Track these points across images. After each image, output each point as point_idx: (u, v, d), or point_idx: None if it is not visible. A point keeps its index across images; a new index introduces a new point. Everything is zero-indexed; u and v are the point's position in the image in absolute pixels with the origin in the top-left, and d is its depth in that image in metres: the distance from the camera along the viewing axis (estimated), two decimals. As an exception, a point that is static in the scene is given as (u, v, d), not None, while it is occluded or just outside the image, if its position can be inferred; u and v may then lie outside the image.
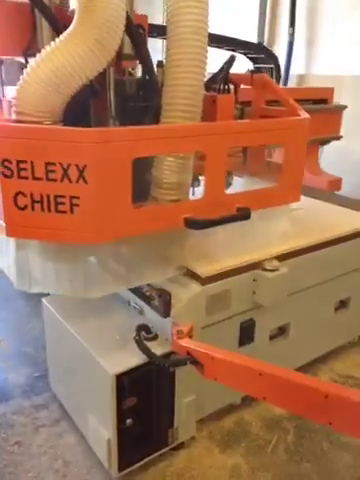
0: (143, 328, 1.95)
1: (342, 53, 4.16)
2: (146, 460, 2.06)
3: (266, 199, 2.11)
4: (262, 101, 2.52)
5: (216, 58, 2.11)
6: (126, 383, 1.84)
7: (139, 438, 1.99)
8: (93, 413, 2.04)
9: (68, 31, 1.63)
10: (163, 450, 2.11)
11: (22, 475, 2.07)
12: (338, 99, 3.08)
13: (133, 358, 1.87)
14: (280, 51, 4.63)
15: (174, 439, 2.12)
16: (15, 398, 2.54)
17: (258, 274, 2.15)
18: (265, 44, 4.76)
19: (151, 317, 2.05)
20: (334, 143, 3.10)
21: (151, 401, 1.97)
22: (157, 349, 1.90)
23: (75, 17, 1.64)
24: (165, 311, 1.91)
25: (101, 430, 1.96)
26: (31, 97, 1.64)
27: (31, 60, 1.71)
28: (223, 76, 2.12)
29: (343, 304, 2.81)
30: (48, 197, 1.62)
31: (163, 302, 1.90)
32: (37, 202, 1.64)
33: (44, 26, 1.84)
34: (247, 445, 2.26)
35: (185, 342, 1.83)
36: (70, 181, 1.59)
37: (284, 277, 2.17)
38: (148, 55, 1.96)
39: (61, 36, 1.64)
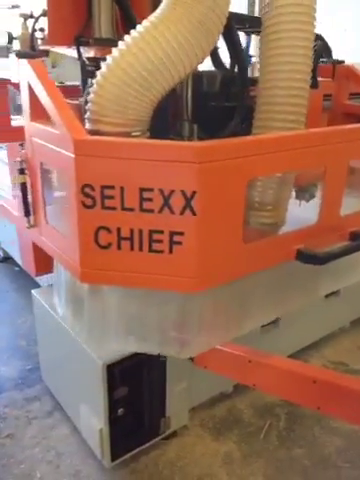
0: (133, 318, 1.94)
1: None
2: (138, 449, 2.06)
3: None
4: (345, 95, 2.21)
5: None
6: (117, 373, 1.84)
7: (131, 428, 2.00)
8: (85, 404, 2.04)
9: (163, 13, 1.28)
10: (155, 439, 2.12)
11: (15, 467, 2.08)
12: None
13: (123, 348, 1.87)
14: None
15: (166, 428, 2.13)
16: (7, 391, 2.53)
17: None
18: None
19: (141, 307, 2.04)
20: None
21: (142, 390, 1.97)
22: (147, 339, 1.89)
23: None
24: (155, 301, 1.89)
25: (93, 420, 1.96)
26: (114, 100, 1.29)
27: (89, 50, 1.41)
28: (313, 68, 1.57)
29: (334, 291, 2.82)
30: (140, 233, 1.24)
31: (152, 292, 1.88)
32: (125, 239, 1.26)
33: (103, 7, 1.53)
34: (239, 432, 2.27)
35: (175, 331, 1.82)
36: (172, 212, 1.20)
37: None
38: (240, 45, 1.62)
39: (150, 18, 1.29)
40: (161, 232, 1.23)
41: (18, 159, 1.49)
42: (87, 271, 1.32)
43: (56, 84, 1.64)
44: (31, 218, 1.56)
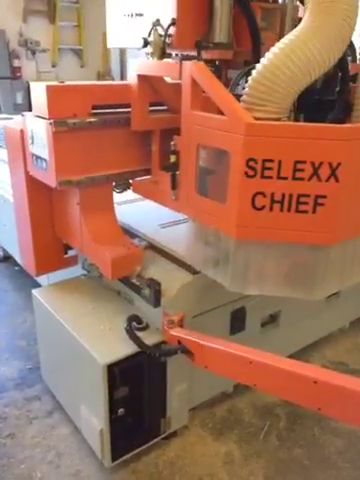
0: (134, 318, 1.95)
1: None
2: (139, 449, 2.07)
3: None
4: None
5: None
6: (117, 373, 1.83)
7: (131, 428, 2.00)
8: (85, 404, 2.04)
9: (305, 22, 1.60)
10: (156, 439, 2.12)
11: (15, 467, 2.08)
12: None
13: (124, 348, 1.87)
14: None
15: (167, 428, 2.13)
16: (8, 391, 2.53)
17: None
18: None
19: (142, 307, 2.05)
20: None
21: (143, 391, 1.97)
22: (148, 339, 1.89)
23: (312, 10, 1.60)
24: (155, 301, 1.90)
25: (93, 420, 1.96)
26: (268, 92, 1.58)
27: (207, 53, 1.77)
28: None
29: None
30: (290, 197, 1.53)
31: (153, 292, 1.89)
32: (277, 202, 1.55)
33: (223, 17, 1.84)
34: (239, 432, 2.28)
35: (176, 331, 1.83)
36: (319, 180, 1.50)
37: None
38: (352, 46, 1.95)
39: (298, 28, 1.61)
40: (308, 196, 1.53)
41: (172, 143, 1.81)
42: (242, 229, 1.61)
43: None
44: (176, 192, 1.87)
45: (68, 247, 2.38)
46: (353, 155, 1.51)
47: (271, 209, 1.56)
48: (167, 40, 1.83)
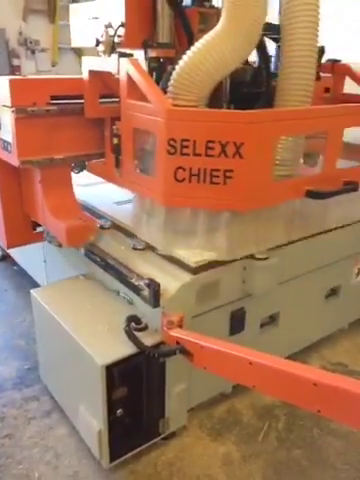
0: (133, 319, 1.94)
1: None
2: (137, 450, 2.06)
3: None
4: (342, 88, 2.72)
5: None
6: (116, 374, 1.83)
7: (130, 428, 1.99)
8: (84, 404, 2.03)
9: (221, 27, 1.88)
10: (154, 440, 2.11)
11: (13, 467, 2.07)
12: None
13: (123, 349, 1.86)
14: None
15: (165, 429, 2.12)
16: (6, 391, 2.53)
17: (248, 263, 2.14)
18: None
19: (141, 307, 2.04)
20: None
21: (141, 391, 1.96)
22: (147, 339, 1.89)
23: (224, 14, 1.87)
24: (154, 301, 1.90)
25: (92, 421, 1.95)
26: (187, 84, 1.89)
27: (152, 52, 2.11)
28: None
29: (334, 291, 2.82)
30: (205, 171, 1.84)
31: (152, 292, 1.89)
32: (194, 175, 1.85)
33: (165, 20, 2.14)
34: (238, 433, 2.27)
35: (175, 332, 1.83)
36: (226, 156, 1.80)
37: (274, 266, 2.16)
38: (266, 48, 2.27)
39: (213, 31, 1.89)
40: (218, 170, 1.84)
41: (115, 127, 2.14)
42: (168, 198, 1.95)
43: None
44: (120, 170, 2.21)
45: (37, 224, 2.60)
46: (253, 136, 1.81)
47: (190, 181, 1.87)
48: (118, 40, 2.09)
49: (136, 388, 1.93)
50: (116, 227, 2.44)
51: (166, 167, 1.87)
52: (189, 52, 1.90)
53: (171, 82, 1.94)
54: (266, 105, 2.15)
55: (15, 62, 8.00)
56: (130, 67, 1.94)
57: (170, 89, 1.95)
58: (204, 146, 1.80)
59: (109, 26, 2.10)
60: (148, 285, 1.90)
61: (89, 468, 2.07)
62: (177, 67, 1.92)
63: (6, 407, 2.41)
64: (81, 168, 2.56)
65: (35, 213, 2.47)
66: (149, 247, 2.22)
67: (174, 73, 1.93)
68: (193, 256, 2.04)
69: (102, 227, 2.44)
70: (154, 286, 1.88)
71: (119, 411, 1.89)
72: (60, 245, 2.46)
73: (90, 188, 2.92)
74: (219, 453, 2.16)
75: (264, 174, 1.92)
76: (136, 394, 1.94)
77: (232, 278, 2.13)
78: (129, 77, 1.96)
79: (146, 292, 1.92)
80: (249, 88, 2.24)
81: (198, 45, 1.89)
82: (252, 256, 2.13)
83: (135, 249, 2.22)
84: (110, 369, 1.81)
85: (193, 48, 1.89)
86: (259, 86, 2.25)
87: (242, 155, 1.79)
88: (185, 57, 1.90)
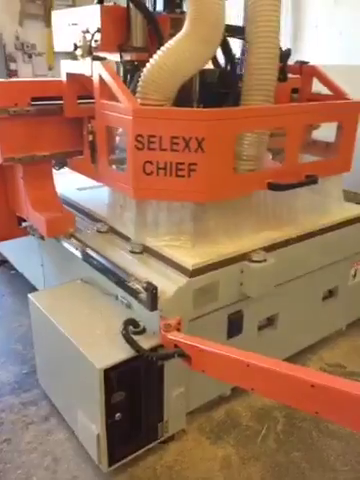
0: (131, 322, 1.94)
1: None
2: (136, 454, 2.05)
3: (327, 168, 2.54)
4: (309, 88, 2.84)
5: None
6: (114, 377, 1.83)
7: (129, 432, 1.98)
8: (82, 408, 2.03)
9: (183, 32, 2.02)
10: (153, 444, 2.11)
11: (11, 472, 2.06)
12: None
13: (121, 352, 1.86)
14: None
15: (164, 432, 2.12)
16: (4, 396, 2.52)
17: (245, 265, 2.14)
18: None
19: (139, 311, 2.04)
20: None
21: (140, 395, 1.96)
22: (145, 343, 1.88)
23: (187, 19, 2.01)
24: (152, 304, 1.90)
25: (90, 425, 1.95)
26: (154, 85, 2.03)
27: (127, 55, 2.28)
28: (281, 67, 2.43)
29: (331, 293, 2.82)
30: (171, 164, 1.98)
31: (150, 295, 1.88)
32: (161, 168, 1.99)
33: (138, 25, 2.27)
34: (237, 436, 2.27)
35: (173, 335, 1.82)
36: (190, 151, 1.94)
37: (271, 268, 2.16)
38: (231, 51, 2.41)
39: (177, 36, 2.02)
40: (183, 163, 1.98)
41: (90, 125, 2.29)
42: (137, 190, 2.09)
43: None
44: (96, 165, 2.34)
45: (22, 220, 2.70)
46: (213, 131, 1.96)
47: (158, 174, 2.00)
48: (95, 45, 2.21)
49: (134, 392, 1.93)
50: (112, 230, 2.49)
51: (135, 161, 2.01)
52: (155, 55, 2.03)
53: (140, 83, 2.07)
54: (234, 105, 2.28)
55: (12, 66, 8.01)
56: (102, 70, 2.09)
57: (139, 89, 2.08)
58: (169, 141, 1.94)
59: (86, 31, 2.23)
60: (145, 288, 1.90)
61: (88, 473, 2.06)
62: (145, 69, 2.04)
63: (4, 412, 2.40)
64: (62, 165, 2.69)
65: (19, 208, 2.61)
66: (146, 250, 2.23)
67: (142, 75, 2.06)
68: (191, 259, 2.04)
69: (99, 231, 2.45)
70: (151, 289, 1.88)
71: (117, 415, 1.89)
72: (42, 237, 2.56)
73: (87, 192, 2.97)
74: (218, 456, 2.16)
75: (225, 167, 2.05)
76: (134, 398, 1.94)
77: (229, 281, 2.13)
78: (101, 79, 2.11)
79: (144, 295, 1.92)
80: (217, 89, 2.38)
81: (163, 49, 2.01)
82: (249, 258, 2.14)
83: (132, 252, 2.23)
84: (108, 373, 1.80)
85: (159, 51, 2.02)
86: (226, 87, 2.38)
87: (204, 149, 1.93)
88: (152, 60, 2.03)
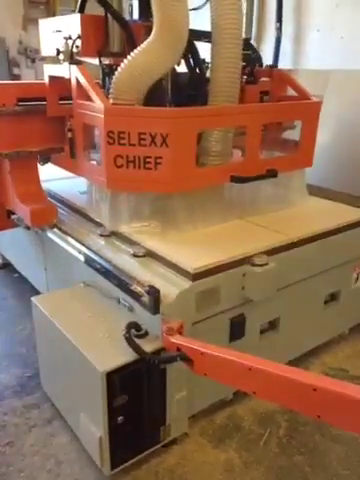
0: (133, 325, 1.94)
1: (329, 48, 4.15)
2: (138, 457, 2.06)
3: (288, 163, 2.72)
4: (280, 90, 3.05)
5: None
6: (117, 381, 1.83)
7: (131, 436, 1.99)
8: (84, 411, 2.03)
9: (150, 38, 2.19)
10: (155, 447, 2.11)
11: (14, 475, 2.06)
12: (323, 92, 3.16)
13: (123, 356, 1.86)
14: (268, 47, 4.63)
15: (166, 436, 2.12)
16: (6, 398, 2.52)
17: (247, 269, 2.15)
18: (253, 41, 4.74)
19: (141, 314, 2.05)
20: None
21: (142, 398, 1.96)
22: (147, 346, 1.89)
23: (154, 27, 2.17)
24: (154, 308, 1.90)
25: (92, 428, 1.95)
26: (124, 86, 2.22)
27: (106, 60, 2.48)
28: (250, 70, 2.73)
29: (333, 297, 2.82)
30: (139, 158, 2.17)
31: (152, 298, 1.89)
32: (131, 162, 2.19)
33: (115, 33, 2.44)
34: (239, 440, 2.27)
35: (175, 338, 1.82)
36: (156, 145, 2.14)
37: (273, 272, 2.17)
38: (199, 56, 2.58)
39: (145, 42, 2.19)
40: (150, 157, 2.18)
41: (68, 123, 2.50)
42: (110, 182, 2.29)
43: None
44: (75, 160, 2.54)
45: (12, 213, 2.83)
46: (176, 128, 2.16)
47: (127, 167, 2.20)
48: (76, 50, 2.41)
49: (137, 395, 1.93)
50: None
51: (107, 155, 2.20)
52: (125, 60, 2.22)
53: (112, 84, 2.26)
54: (202, 105, 2.47)
55: (15, 71, 8.05)
56: (78, 73, 2.30)
57: (111, 90, 2.26)
58: (137, 137, 2.14)
59: (69, 38, 2.43)
60: (148, 291, 1.91)
61: (90, 476, 2.06)
62: (116, 72, 2.24)
63: (7, 415, 2.40)
64: (46, 160, 2.88)
65: (7, 201, 2.76)
66: (149, 254, 2.24)
67: (114, 77, 2.25)
68: (193, 262, 2.05)
69: (101, 235, 2.47)
70: (154, 292, 1.89)
71: (120, 418, 1.89)
72: (28, 227, 2.75)
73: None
74: (220, 460, 2.16)
75: (188, 161, 2.24)
76: (137, 401, 1.94)
77: (231, 284, 2.14)
78: (78, 81, 2.33)
79: (146, 298, 1.92)
80: (188, 90, 2.59)
81: (132, 53, 2.20)
82: (252, 262, 2.15)
83: (135, 256, 2.24)
84: (111, 376, 1.81)
85: (129, 56, 2.21)
86: (195, 88, 2.58)
87: (168, 144, 2.12)
88: (122, 64, 2.22)
